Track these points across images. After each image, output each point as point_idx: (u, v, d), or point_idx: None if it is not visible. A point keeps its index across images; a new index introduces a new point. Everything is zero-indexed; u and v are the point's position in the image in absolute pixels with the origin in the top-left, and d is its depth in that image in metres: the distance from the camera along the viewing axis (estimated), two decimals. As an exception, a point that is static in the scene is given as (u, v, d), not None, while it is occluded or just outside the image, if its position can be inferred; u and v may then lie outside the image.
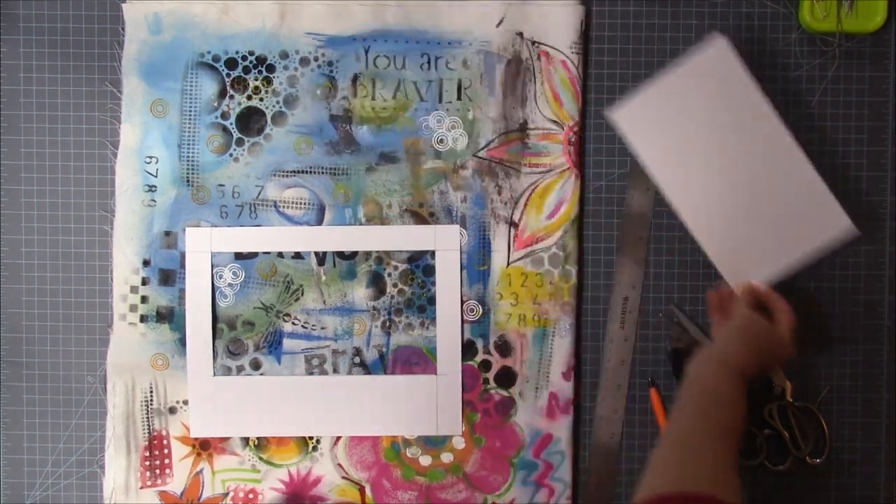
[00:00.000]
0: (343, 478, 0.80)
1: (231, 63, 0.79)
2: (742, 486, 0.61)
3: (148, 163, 0.80)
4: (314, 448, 0.80)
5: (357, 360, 0.80)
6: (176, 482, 0.80)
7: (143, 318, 0.80)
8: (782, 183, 0.77)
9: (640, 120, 0.77)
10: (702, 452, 0.63)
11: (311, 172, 0.80)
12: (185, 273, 0.80)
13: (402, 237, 0.79)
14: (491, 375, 0.80)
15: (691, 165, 0.77)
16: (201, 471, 0.80)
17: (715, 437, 0.64)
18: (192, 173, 0.80)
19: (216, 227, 0.79)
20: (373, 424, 0.79)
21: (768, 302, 0.76)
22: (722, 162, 0.77)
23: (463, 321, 0.79)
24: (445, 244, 0.79)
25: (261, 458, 0.80)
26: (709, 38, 0.76)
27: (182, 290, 0.80)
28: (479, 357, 0.80)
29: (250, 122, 0.80)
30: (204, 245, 0.79)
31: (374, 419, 0.79)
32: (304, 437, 0.80)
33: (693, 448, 0.63)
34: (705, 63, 0.76)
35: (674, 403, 0.68)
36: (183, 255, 0.80)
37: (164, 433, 0.80)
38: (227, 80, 0.79)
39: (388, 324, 0.80)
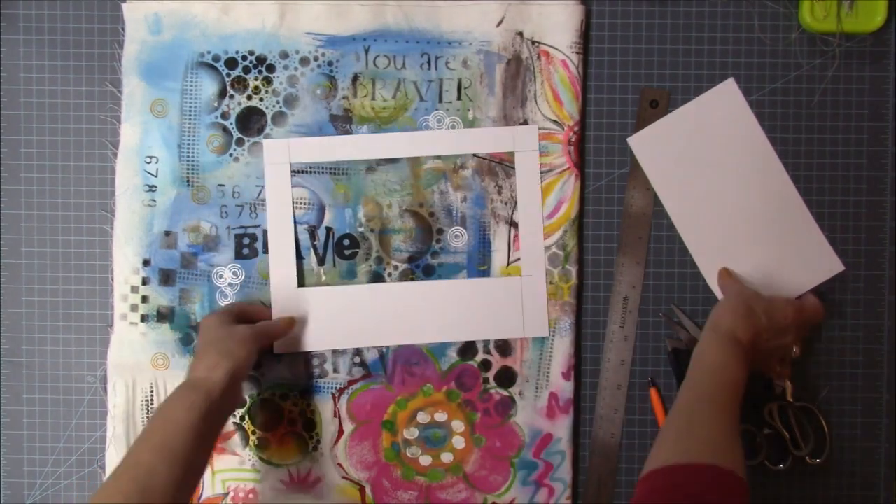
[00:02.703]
0: (343, 478, 0.80)
1: (231, 63, 0.79)
2: (744, 453, 0.63)
3: (148, 163, 0.79)
4: (314, 448, 0.80)
5: (357, 360, 0.80)
6: (176, 482, 0.79)
7: (143, 318, 0.80)
8: (780, 223, 0.80)
9: (652, 148, 0.80)
10: (700, 424, 0.64)
11: (311, 172, 0.80)
12: (185, 273, 0.80)
13: (484, 140, 0.79)
14: (491, 375, 0.80)
15: (697, 198, 0.80)
16: (201, 471, 0.80)
17: (712, 407, 0.66)
18: (193, 173, 0.80)
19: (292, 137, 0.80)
20: (458, 329, 0.79)
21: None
22: (725, 198, 0.80)
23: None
24: (524, 145, 0.79)
25: (261, 458, 0.80)
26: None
27: (182, 290, 0.80)
28: (479, 357, 0.80)
29: (250, 121, 0.79)
30: (282, 157, 0.79)
31: (460, 324, 0.79)
32: (305, 437, 0.80)
33: (692, 420, 0.65)
34: (715, 100, 0.79)
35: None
36: (183, 255, 0.80)
37: (164, 433, 0.79)
38: (227, 79, 0.79)
39: (388, 323, 0.80)
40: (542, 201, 0.79)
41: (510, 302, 0.79)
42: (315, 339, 0.79)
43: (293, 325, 0.78)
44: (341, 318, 0.79)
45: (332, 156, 0.79)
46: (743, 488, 0.59)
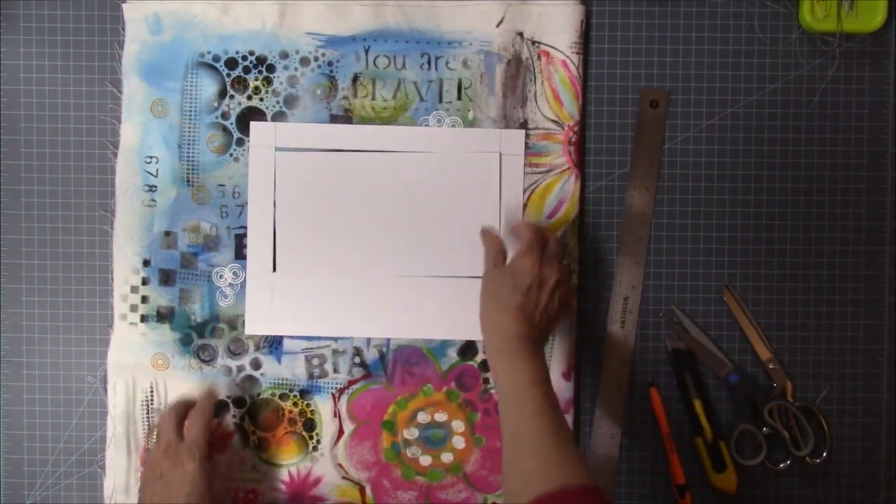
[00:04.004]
0: (343, 478, 0.80)
1: (231, 63, 0.79)
2: (579, 454, 0.62)
3: (148, 163, 0.79)
4: (314, 448, 0.80)
5: (357, 360, 0.80)
6: (176, 482, 0.79)
7: (143, 318, 0.80)
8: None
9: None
10: (529, 451, 0.62)
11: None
12: (185, 273, 0.80)
13: (472, 140, 0.79)
14: (491, 375, 0.80)
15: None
16: (201, 471, 0.80)
17: (532, 424, 0.63)
18: (193, 173, 0.80)
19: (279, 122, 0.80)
20: (432, 328, 0.79)
21: (515, 237, 0.74)
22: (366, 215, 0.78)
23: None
24: (510, 149, 0.79)
25: (261, 458, 0.80)
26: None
27: (182, 290, 0.80)
28: (480, 357, 0.80)
29: (250, 122, 0.79)
30: (268, 140, 0.78)
31: (436, 322, 0.79)
32: (305, 437, 0.80)
33: (518, 452, 0.63)
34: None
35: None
36: (183, 255, 0.80)
37: (164, 433, 0.79)
38: (227, 80, 0.79)
39: (388, 323, 0.80)
40: (523, 205, 0.79)
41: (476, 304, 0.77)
42: (286, 325, 0.79)
43: (209, 395, 0.78)
44: (314, 306, 0.79)
45: (318, 143, 0.78)
46: (597, 494, 0.58)
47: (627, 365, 0.81)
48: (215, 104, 0.79)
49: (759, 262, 0.81)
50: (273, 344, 0.80)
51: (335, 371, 0.80)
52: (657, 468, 0.81)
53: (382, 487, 0.80)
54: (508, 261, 0.72)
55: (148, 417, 0.80)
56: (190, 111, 0.79)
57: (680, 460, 0.80)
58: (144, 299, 0.80)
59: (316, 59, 0.79)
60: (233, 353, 0.80)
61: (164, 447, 0.73)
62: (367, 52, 0.79)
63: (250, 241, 0.79)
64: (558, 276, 0.70)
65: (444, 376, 0.80)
